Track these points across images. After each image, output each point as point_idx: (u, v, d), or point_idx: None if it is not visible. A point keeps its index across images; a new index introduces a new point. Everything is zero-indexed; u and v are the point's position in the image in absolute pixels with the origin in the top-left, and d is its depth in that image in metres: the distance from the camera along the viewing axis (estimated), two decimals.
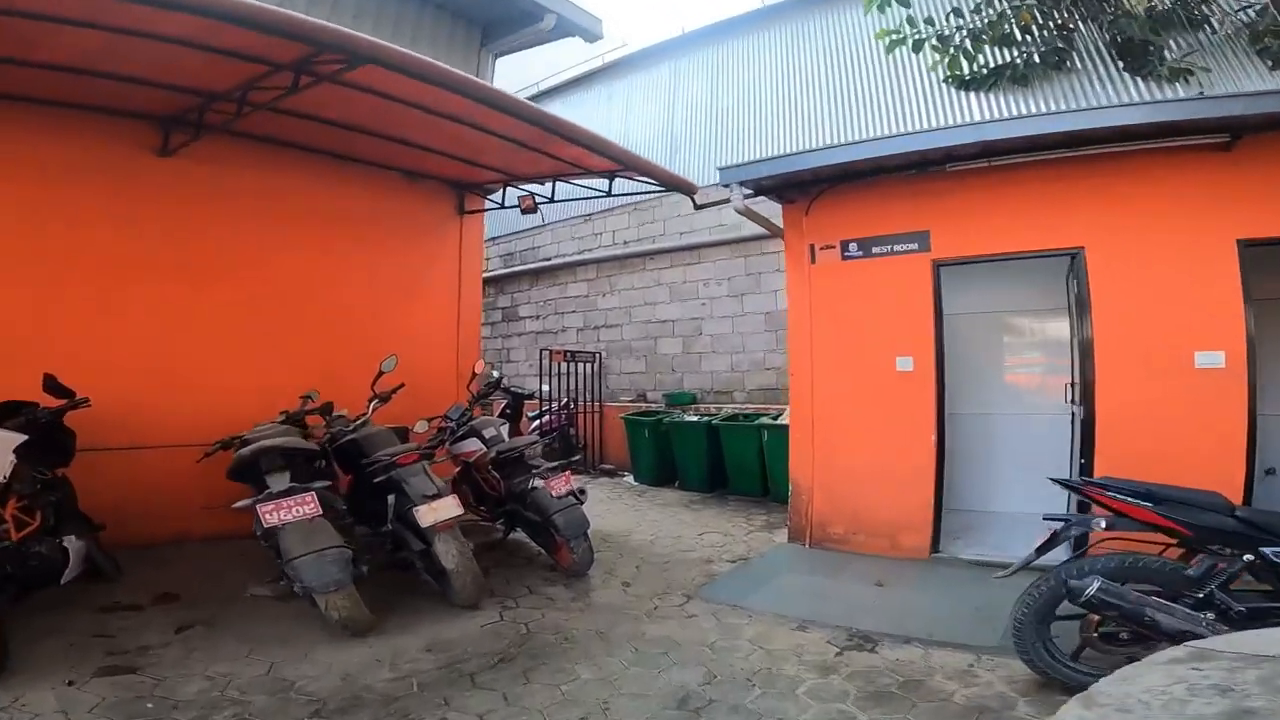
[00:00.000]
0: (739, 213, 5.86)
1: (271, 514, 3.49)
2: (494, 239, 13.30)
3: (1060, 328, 6.71)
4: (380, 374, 5.64)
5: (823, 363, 5.99)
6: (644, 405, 10.40)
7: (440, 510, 4.18)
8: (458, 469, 6.20)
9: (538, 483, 5.13)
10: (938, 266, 5.57)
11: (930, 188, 5.56)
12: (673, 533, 6.85)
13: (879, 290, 5.76)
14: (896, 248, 5.70)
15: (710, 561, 5.85)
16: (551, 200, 7.62)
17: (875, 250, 5.79)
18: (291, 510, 3.53)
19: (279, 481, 3.76)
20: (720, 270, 9.94)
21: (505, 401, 11.30)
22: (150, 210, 5.87)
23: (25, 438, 4.03)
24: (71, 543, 4.06)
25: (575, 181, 7.48)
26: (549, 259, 12.33)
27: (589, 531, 5.25)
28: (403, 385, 5.79)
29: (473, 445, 5.79)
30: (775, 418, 8.18)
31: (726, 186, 5.83)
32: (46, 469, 4.49)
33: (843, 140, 8.79)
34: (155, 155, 5.87)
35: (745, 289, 9.64)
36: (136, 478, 5.48)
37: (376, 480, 4.38)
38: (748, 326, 9.59)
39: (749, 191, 5.94)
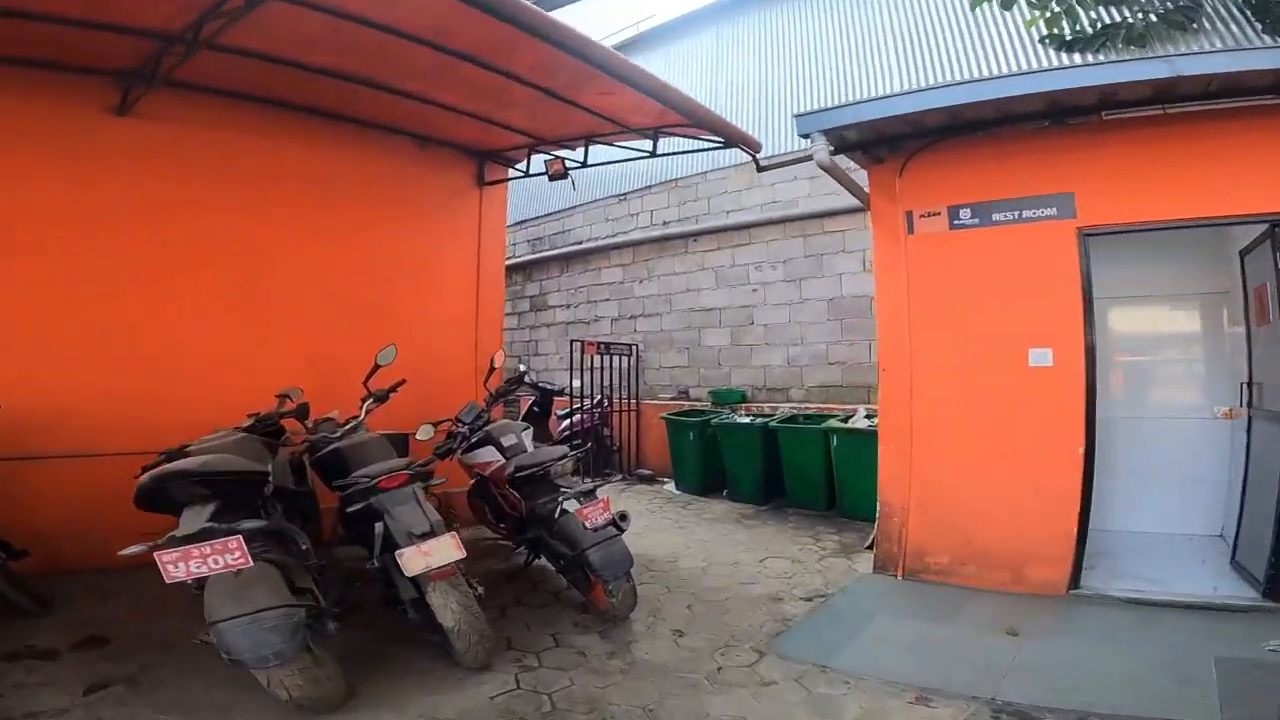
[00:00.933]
0: (823, 168, 4.70)
1: (175, 565, 2.43)
2: (521, 223, 12.31)
3: (1214, 316, 5.46)
4: (376, 368, 4.62)
5: (925, 356, 4.80)
6: (686, 404, 9.28)
7: (434, 555, 3.11)
8: (472, 480, 5.16)
9: (569, 506, 4.05)
10: (1085, 236, 4.35)
11: (1074, 141, 4.37)
12: (728, 557, 5.73)
13: (1003, 265, 4.56)
14: (1027, 214, 4.49)
15: (780, 599, 4.72)
16: (584, 164, 6.53)
17: (997, 217, 4.58)
18: (206, 561, 2.48)
19: (194, 519, 2.71)
20: (774, 252, 8.77)
21: (533, 399, 10.32)
22: (109, 178, 4.92)
23: None
24: None
25: (615, 142, 6.38)
26: (580, 242, 11.26)
27: (632, 569, 4.15)
28: (404, 381, 4.76)
29: (488, 456, 4.73)
30: (845, 419, 7.00)
31: (806, 138, 4.68)
32: None
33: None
34: (113, 114, 4.91)
35: (804, 273, 8.46)
36: (87, 491, 4.52)
37: (350, 509, 3.35)
38: (807, 315, 8.41)
39: (832, 148, 4.77)
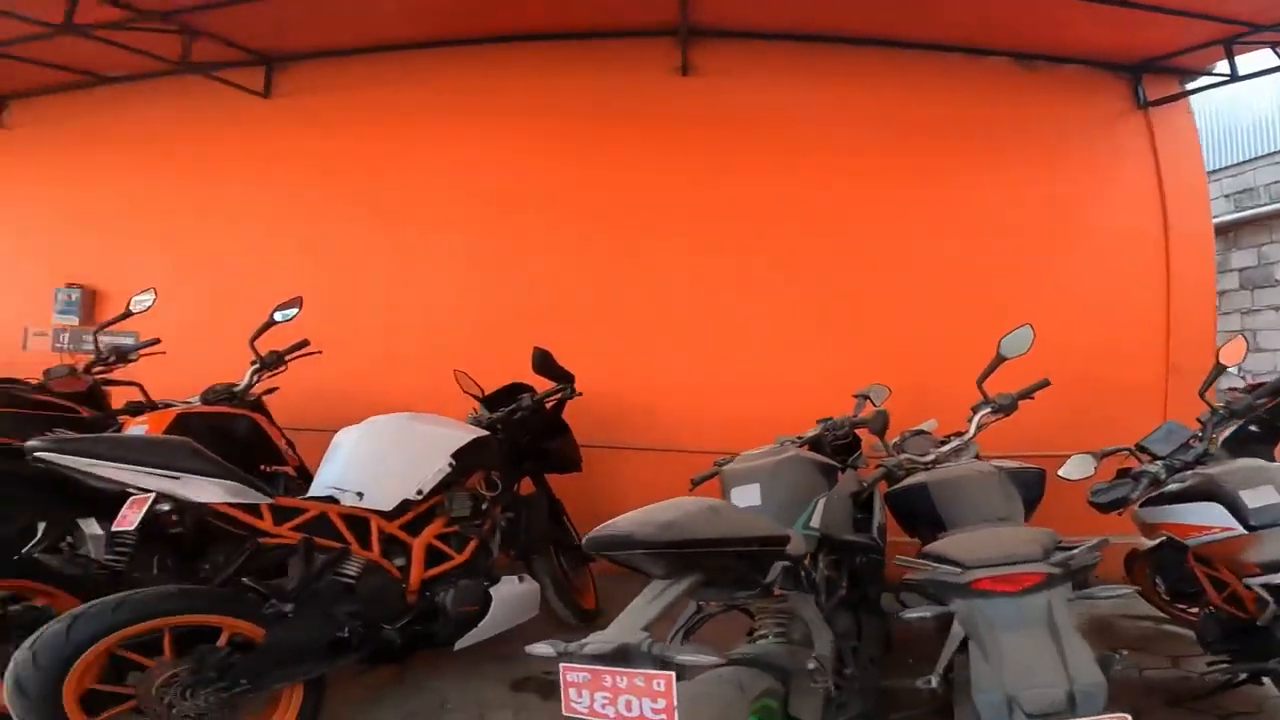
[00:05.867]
0: None
1: (579, 692, 1.25)
2: (1211, 173, 8.61)
3: None
4: (998, 361, 2.95)
5: None
6: None
7: None
8: (1154, 541, 2.99)
9: None
10: None
11: None
12: None
13: None
14: None
15: None
16: None
17: None
18: (617, 699, 1.20)
19: (641, 608, 1.45)
20: None
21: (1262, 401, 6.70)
22: (670, 143, 4.61)
23: (474, 436, 2.93)
24: (508, 587, 2.83)
25: None
26: None
27: None
28: (1045, 382, 2.98)
29: (1208, 517, 2.52)
30: None
31: None
32: (535, 475, 3.47)
33: None
34: (678, 75, 4.62)
35: None
36: (662, 487, 4.25)
37: (910, 614, 1.82)
38: None
39: None
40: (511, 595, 2.82)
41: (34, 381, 3.18)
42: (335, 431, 2.85)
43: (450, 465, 2.75)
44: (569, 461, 3.55)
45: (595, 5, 4.38)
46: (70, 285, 4.98)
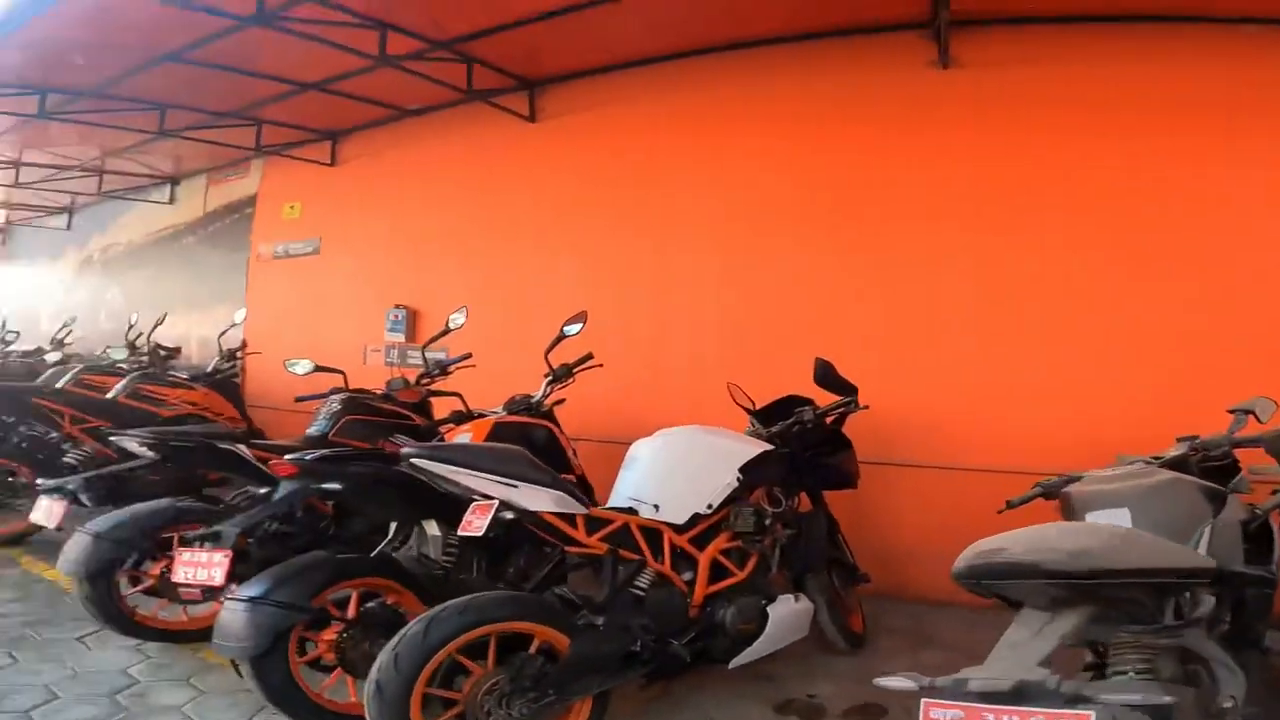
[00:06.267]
0: None
1: None
2: None
3: None
4: None
5: None
6: None
7: None
8: None
9: None
10: None
11: None
12: None
13: None
14: None
15: None
16: None
17: None
18: None
19: (1025, 645, 1.24)
20: None
21: None
22: (936, 139, 4.17)
23: (760, 450, 2.86)
24: (784, 605, 2.71)
25: None
26: None
27: None
28: None
29: None
30: None
31: None
32: (813, 492, 3.30)
33: None
34: (936, 68, 4.14)
35: None
36: (938, 506, 3.87)
37: None
38: None
39: None
40: (787, 614, 2.70)
41: (378, 392, 3.72)
42: (606, 441, 2.93)
43: (738, 480, 2.72)
44: (847, 478, 3.33)
45: (841, 3, 4.12)
46: (398, 306, 5.80)
